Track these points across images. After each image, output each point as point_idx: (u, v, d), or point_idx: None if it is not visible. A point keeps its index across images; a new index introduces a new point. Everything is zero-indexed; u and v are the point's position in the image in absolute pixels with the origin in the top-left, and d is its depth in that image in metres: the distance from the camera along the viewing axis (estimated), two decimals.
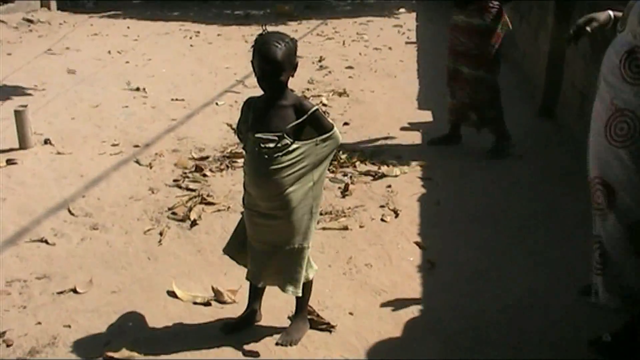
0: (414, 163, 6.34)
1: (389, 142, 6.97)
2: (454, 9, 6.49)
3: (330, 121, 3.49)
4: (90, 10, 14.92)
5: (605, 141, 3.30)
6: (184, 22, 13.58)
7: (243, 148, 3.53)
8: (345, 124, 7.42)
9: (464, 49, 6.35)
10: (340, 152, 6.30)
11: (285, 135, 3.27)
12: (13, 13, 13.41)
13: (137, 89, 8.64)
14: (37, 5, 14.49)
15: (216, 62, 10.28)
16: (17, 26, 12.84)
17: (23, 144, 6.51)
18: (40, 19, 13.58)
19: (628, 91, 3.18)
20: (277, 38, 3.26)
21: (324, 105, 8.09)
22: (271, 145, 3.27)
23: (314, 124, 3.37)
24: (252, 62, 3.31)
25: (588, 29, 3.73)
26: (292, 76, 3.35)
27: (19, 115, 6.43)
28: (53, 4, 14.75)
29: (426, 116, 7.89)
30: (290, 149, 3.28)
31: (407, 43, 12.34)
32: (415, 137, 7.15)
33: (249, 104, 3.46)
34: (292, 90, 3.44)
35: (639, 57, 3.15)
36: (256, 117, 3.36)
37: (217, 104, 8.11)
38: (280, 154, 3.27)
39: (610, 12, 3.72)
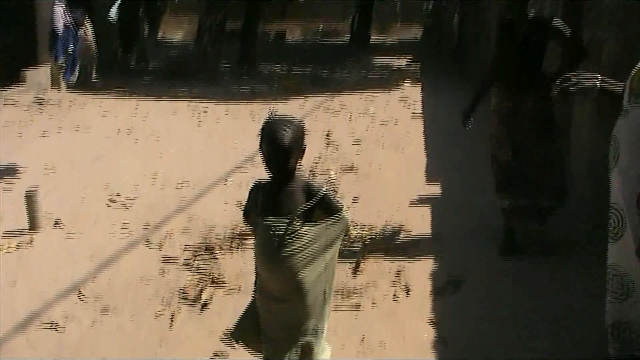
0: (424, 238, 6.32)
1: (398, 217, 6.96)
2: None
3: (340, 202, 3.49)
4: (100, 90, 15.13)
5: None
6: (191, 100, 13.73)
7: (252, 232, 3.53)
8: (355, 199, 7.44)
9: None
10: (351, 229, 6.29)
11: (296, 219, 3.27)
12: (24, 94, 13.61)
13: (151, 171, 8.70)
14: (48, 86, 14.70)
15: (224, 139, 10.37)
16: (28, 107, 13.01)
17: (33, 226, 6.53)
18: (50, 99, 13.77)
19: None
20: (285, 122, 3.29)
21: (333, 181, 8.11)
22: (281, 230, 3.27)
23: (324, 207, 3.37)
24: (260, 146, 3.33)
25: (572, 89, 3.67)
26: (301, 159, 3.37)
27: (29, 198, 6.48)
28: (63, 84, 14.96)
29: (435, 189, 7.90)
30: (300, 233, 3.28)
31: (413, 116, 12.46)
32: (424, 212, 7.15)
33: (258, 188, 3.47)
34: (301, 167, 3.44)
35: None
36: (265, 202, 3.36)
37: (226, 182, 8.14)
38: (291, 238, 3.27)
39: (597, 82, 3.64)
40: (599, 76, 3.63)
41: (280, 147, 3.21)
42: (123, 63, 18.79)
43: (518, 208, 5.94)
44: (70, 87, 14.71)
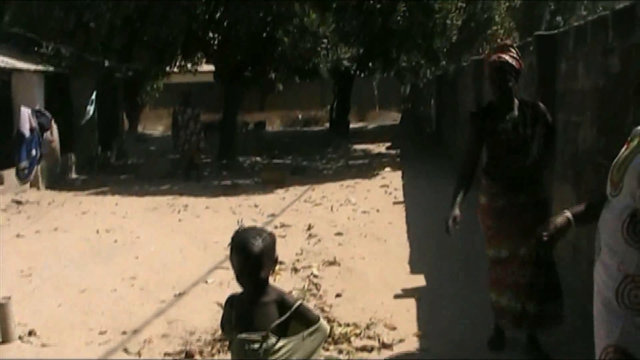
0: (410, 333, 6.16)
1: (383, 312, 6.80)
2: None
3: (316, 313, 3.40)
4: (79, 188, 15.05)
5: (618, 309, 3.17)
6: (172, 196, 13.67)
7: (228, 348, 3.39)
8: (338, 295, 7.28)
9: None
10: (334, 327, 6.13)
11: (270, 334, 3.15)
12: (2, 195, 13.49)
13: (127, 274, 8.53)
14: (27, 186, 14.62)
15: (205, 236, 10.23)
16: (5, 208, 12.89)
17: (6, 338, 6.31)
18: (29, 199, 13.68)
19: (636, 257, 3.08)
20: (255, 234, 3.21)
21: (315, 276, 7.97)
22: (256, 345, 3.14)
23: (300, 318, 3.26)
24: (230, 259, 3.23)
25: (550, 242, 3.59)
26: (273, 271, 3.27)
27: (1, 308, 6.27)
28: (42, 184, 14.90)
29: (419, 281, 7.77)
30: (276, 347, 3.15)
31: (394, 203, 12.44)
32: (409, 305, 6.99)
33: (231, 302, 3.37)
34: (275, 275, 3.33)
35: None
36: (239, 316, 3.25)
37: (207, 282, 7.97)
38: (267, 354, 3.14)
39: (569, 215, 3.55)
40: (566, 211, 3.59)
41: (249, 257, 3.13)
42: (103, 159, 18.81)
43: (508, 308, 5.50)
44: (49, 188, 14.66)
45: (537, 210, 5.34)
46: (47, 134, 14.74)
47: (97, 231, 10.80)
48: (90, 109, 16.89)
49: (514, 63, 5.28)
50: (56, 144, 15.36)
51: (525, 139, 5.36)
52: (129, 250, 9.60)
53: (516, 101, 5.42)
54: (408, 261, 8.60)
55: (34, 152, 14.27)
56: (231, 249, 3.21)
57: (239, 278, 3.22)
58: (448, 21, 15.04)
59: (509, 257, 5.44)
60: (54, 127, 15.22)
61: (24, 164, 14.24)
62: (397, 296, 7.29)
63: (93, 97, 16.45)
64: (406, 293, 7.34)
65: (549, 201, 5.77)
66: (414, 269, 8.23)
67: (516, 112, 5.39)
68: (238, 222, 3.40)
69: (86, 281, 8.12)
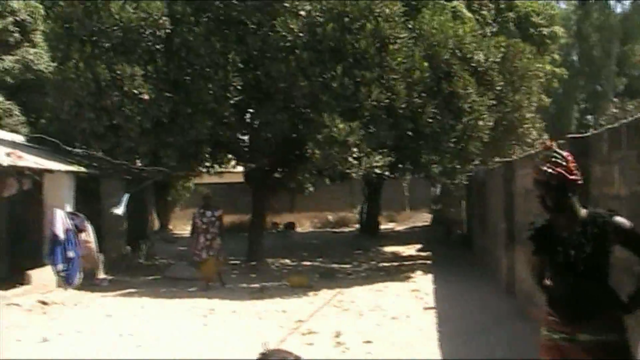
0: None
1: None
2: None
3: None
4: (106, 289, 14.90)
5: None
6: (198, 299, 13.44)
7: None
8: None
9: None
10: None
11: None
12: (28, 295, 13.35)
13: None
14: (53, 286, 14.49)
15: (231, 343, 9.92)
16: (31, 309, 12.72)
17: None
18: (54, 300, 13.51)
19: None
20: (281, 358, 2.98)
21: None
22: None
23: None
24: None
25: None
26: None
27: None
28: (68, 285, 14.77)
29: None
30: None
31: (425, 309, 12.10)
32: None
33: None
34: None
35: None
36: None
37: None
38: None
39: None
40: None
41: None
42: (131, 260, 18.72)
43: None
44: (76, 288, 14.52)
45: (605, 357, 4.36)
46: (82, 235, 14.71)
47: (121, 335, 10.57)
48: (123, 208, 16.90)
49: (565, 174, 4.45)
50: (92, 244, 15.34)
51: (586, 259, 4.41)
52: (151, 355, 9.32)
53: (580, 214, 4.55)
54: None
55: (71, 253, 14.20)
56: None
57: None
58: (480, 122, 14.96)
59: None
60: (89, 227, 15.22)
61: (61, 266, 14.15)
62: None
63: (125, 198, 16.47)
64: None
65: (625, 346, 4.45)
66: None
67: (577, 229, 4.49)
68: (263, 344, 3.17)
69: None
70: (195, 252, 15.18)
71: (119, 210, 16.68)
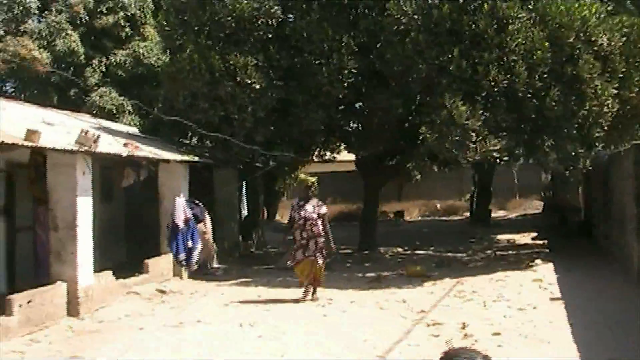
0: None
1: None
2: None
3: None
4: (221, 278, 14.94)
5: None
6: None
7: None
8: None
9: None
10: None
11: None
12: (147, 284, 13.51)
13: None
14: (170, 275, 14.63)
15: (352, 334, 9.67)
16: (150, 297, 12.86)
17: None
18: (172, 289, 13.63)
19: None
20: (467, 358, 2.66)
21: None
22: None
23: None
24: None
25: None
26: None
27: None
28: (185, 273, 14.89)
29: None
30: None
31: (552, 299, 11.57)
32: None
33: None
34: None
35: None
36: None
37: None
38: None
39: None
40: None
41: None
42: (244, 249, 18.81)
43: None
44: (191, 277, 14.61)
45: None
46: (200, 226, 14.74)
47: (241, 325, 10.48)
48: (244, 199, 16.95)
49: None
50: (210, 235, 15.38)
51: None
52: (274, 347, 9.18)
53: None
54: None
55: (190, 243, 14.24)
56: None
57: None
58: (605, 108, 14.17)
59: None
60: (208, 218, 15.26)
61: (182, 256, 14.23)
62: None
63: (243, 188, 16.53)
64: None
65: None
66: None
67: None
68: (447, 342, 2.86)
69: None
70: (290, 252, 12.96)
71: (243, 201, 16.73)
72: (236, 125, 15.41)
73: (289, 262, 12.99)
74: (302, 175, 11.69)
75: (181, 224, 13.97)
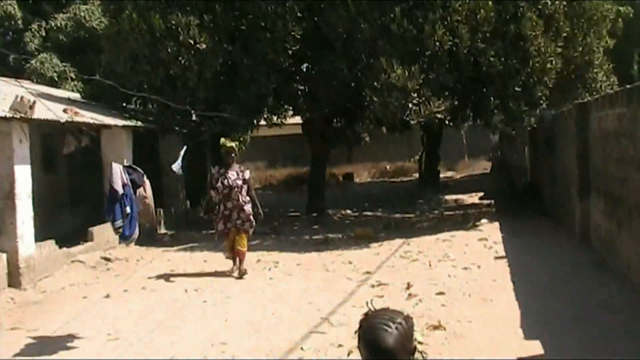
0: None
1: None
2: None
3: None
4: (167, 244, 14.79)
5: None
6: (261, 252, 13.21)
7: None
8: None
9: None
10: None
11: None
12: (92, 252, 13.31)
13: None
14: (116, 243, 14.43)
15: (297, 297, 9.66)
16: (95, 265, 12.70)
17: None
18: (118, 256, 13.45)
19: None
20: (386, 319, 2.58)
21: (420, 343, 7.26)
22: None
23: None
24: (358, 347, 2.64)
25: None
26: None
27: None
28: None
29: (535, 348, 6.99)
30: None
31: (496, 258, 11.69)
32: None
33: None
34: None
35: None
36: None
37: (302, 348, 7.37)
38: None
39: None
40: None
41: (381, 350, 2.52)
42: (191, 215, 18.62)
43: None
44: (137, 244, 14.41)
45: None
46: (140, 191, 14.44)
47: (186, 290, 10.40)
48: (180, 163, 16.66)
49: None
50: (150, 200, 15.06)
51: None
52: (219, 312, 9.14)
53: None
54: (520, 325, 7.80)
55: (127, 209, 13.93)
56: (359, 337, 2.63)
57: None
58: (548, 66, 14.24)
59: None
60: (147, 183, 14.97)
61: (119, 222, 13.91)
62: None
63: (182, 151, 16.22)
64: None
65: None
66: (528, 334, 7.44)
67: None
68: (367, 303, 2.79)
69: (175, 347, 7.67)
70: (214, 223, 11.76)
71: (176, 166, 16.45)
72: (179, 86, 15.11)
73: (217, 238, 12.07)
74: (222, 140, 10.94)
75: (120, 190, 13.70)
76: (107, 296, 10.27)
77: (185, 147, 13.78)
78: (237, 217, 11.25)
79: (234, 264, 11.56)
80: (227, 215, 11.30)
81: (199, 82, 14.97)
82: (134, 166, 13.42)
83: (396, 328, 2.55)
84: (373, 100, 13.76)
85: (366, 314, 2.65)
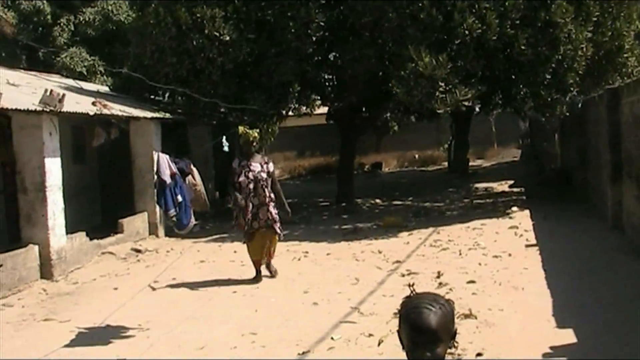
0: None
1: None
2: None
3: None
4: (197, 235, 14.84)
5: None
6: (292, 242, 13.19)
7: None
8: (478, 354, 6.53)
9: None
10: None
11: None
12: (122, 244, 13.41)
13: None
14: (146, 234, 14.53)
15: (327, 287, 9.64)
16: (125, 257, 12.81)
17: None
18: (148, 247, 13.55)
19: None
20: (430, 300, 2.59)
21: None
22: None
23: None
24: (397, 331, 2.65)
25: None
26: (451, 348, 2.61)
27: None
28: (161, 231, 14.78)
29: (568, 336, 6.90)
30: None
31: (527, 246, 11.57)
32: None
33: None
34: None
35: None
36: None
37: (332, 338, 7.35)
38: None
39: None
40: None
41: (425, 330, 2.52)
42: (220, 205, 18.67)
43: None
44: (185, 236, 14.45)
45: None
46: (189, 178, 14.47)
47: (217, 281, 10.42)
48: (226, 142, 16.62)
49: None
50: (201, 187, 15.08)
51: None
52: (249, 302, 9.15)
53: None
54: (552, 313, 7.71)
55: (179, 198, 13.97)
56: (400, 319, 2.63)
57: (411, 354, 2.58)
58: (579, 52, 14.05)
59: None
60: (195, 170, 15.01)
61: (172, 211, 13.96)
62: (546, 355, 6.46)
63: (224, 140, 16.18)
64: (556, 352, 6.50)
65: None
66: (560, 323, 7.35)
67: None
68: (409, 285, 2.77)
69: (205, 337, 7.68)
70: (242, 222, 10.41)
71: (226, 147, 16.44)
72: (203, 78, 15.16)
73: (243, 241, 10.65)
74: (241, 128, 10.39)
75: (168, 179, 13.74)
76: (138, 287, 10.32)
77: (224, 136, 13.87)
78: (265, 216, 10.19)
79: (258, 272, 10.39)
80: (254, 213, 10.22)
81: (223, 74, 15.00)
82: (180, 155, 13.41)
83: (440, 308, 2.56)
84: (397, 90, 13.67)
85: (409, 296, 2.65)
